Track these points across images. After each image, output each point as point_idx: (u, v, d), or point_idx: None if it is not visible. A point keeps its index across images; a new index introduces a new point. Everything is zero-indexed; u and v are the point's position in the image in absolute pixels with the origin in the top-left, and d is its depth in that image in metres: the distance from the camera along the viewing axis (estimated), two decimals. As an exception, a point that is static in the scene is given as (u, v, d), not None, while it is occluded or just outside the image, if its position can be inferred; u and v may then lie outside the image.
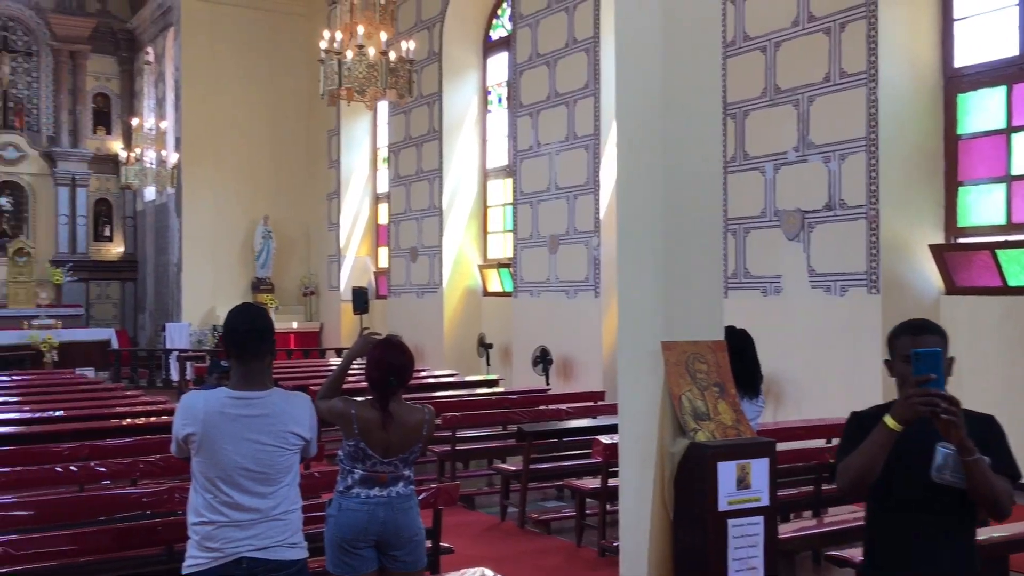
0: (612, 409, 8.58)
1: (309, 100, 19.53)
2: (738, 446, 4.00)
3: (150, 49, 21.63)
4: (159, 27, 20.75)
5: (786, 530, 5.34)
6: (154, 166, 12.99)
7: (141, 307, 22.70)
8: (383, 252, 18.52)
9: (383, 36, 7.23)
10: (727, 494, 3.92)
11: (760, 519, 3.99)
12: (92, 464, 5.46)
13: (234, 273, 19.09)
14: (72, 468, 5.38)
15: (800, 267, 9.18)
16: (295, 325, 19.02)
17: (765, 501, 4.00)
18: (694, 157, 4.28)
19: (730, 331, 4.38)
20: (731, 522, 3.92)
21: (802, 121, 9.18)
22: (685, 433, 4.00)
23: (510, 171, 14.55)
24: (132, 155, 13.10)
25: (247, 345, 3.14)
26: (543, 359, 12.31)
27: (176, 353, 16.51)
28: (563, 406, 8.61)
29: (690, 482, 3.96)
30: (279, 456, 3.12)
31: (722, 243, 4.64)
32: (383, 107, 18.21)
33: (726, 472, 3.92)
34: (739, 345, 4.44)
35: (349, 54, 7.17)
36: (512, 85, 13.75)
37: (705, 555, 3.88)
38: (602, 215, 11.91)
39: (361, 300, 17.20)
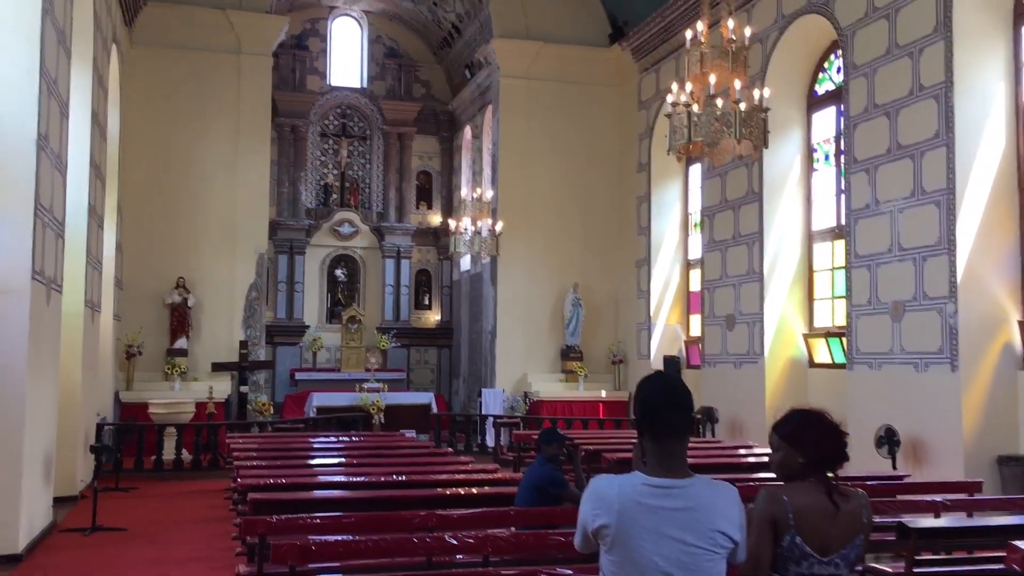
0: (998, 504, 7.32)
1: (618, 167, 19.55)
2: None
3: (468, 127, 22.84)
4: (477, 106, 21.83)
5: None
6: (481, 234, 13.36)
7: (455, 372, 23.61)
8: (695, 320, 17.88)
9: (736, 84, 6.76)
10: None
11: None
12: (445, 536, 5.28)
13: (544, 340, 19.28)
14: (427, 539, 5.23)
15: None
16: (603, 394, 18.78)
17: None
18: None
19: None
20: None
21: None
22: None
23: (840, 232, 13.46)
24: (460, 225, 13.57)
25: (667, 422, 2.68)
26: (889, 440, 11.01)
27: (492, 419, 16.80)
28: (935, 498, 7.45)
29: None
30: (705, 560, 2.60)
31: None
32: (695, 171, 17.78)
33: None
34: None
35: (695, 107, 6.78)
36: (844, 140, 12.76)
37: None
38: (959, 278, 10.55)
39: (673, 369, 16.62)
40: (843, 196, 13.10)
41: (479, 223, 14.30)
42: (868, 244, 12.05)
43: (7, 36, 8.32)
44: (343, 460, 9.46)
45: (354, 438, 12.40)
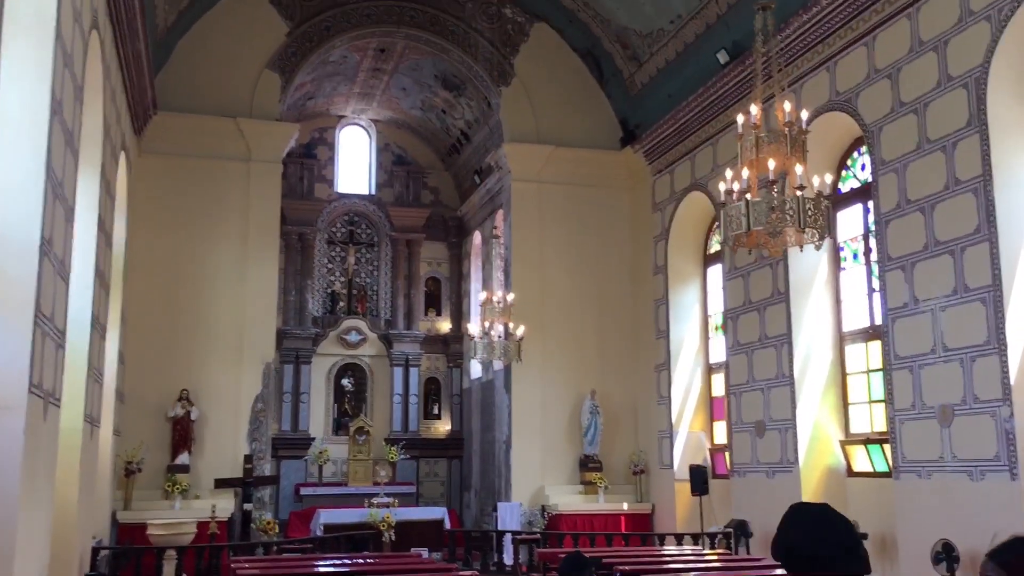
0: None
1: (633, 270, 19.15)
2: None
3: (478, 232, 22.56)
4: (487, 211, 21.60)
5: None
6: (502, 339, 12.81)
7: (467, 485, 22.68)
8: (719, 427, 17.15)
9: (798, 169, 6.31)
10: None
11: None
12: None
13: (561, 451, 18.49)
14: None
15: None
16: (625, 507, 17.89)
17: None
18: None
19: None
20: None
21: None
22: None
23: (875, 333, 12.92)
24: (481, 329, 13.03)
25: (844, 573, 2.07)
26: (947, 556, 10.19)
27: (510, 536, 15.87)
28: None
29: None
30: None
31: None
32: (714, 272, 17.36)
33: None
34: None
35: (748, 196, 6.32)
36: (876, 237, 12.32)
37: None
38: (1012, 379, 9.94)
39: (700, 480, 15.85)
40: (877, 295, 12.60)
41: (496, 327, 13.74)
42: (908, 345, 11.48)
43: (13, 136, 7.92)
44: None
45: (368, 560, 11.55)
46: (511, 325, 12.75)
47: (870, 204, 12.81)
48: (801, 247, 6.62)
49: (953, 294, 10.80)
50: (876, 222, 12.31)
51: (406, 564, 11.09)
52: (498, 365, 20.32)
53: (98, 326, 12.19)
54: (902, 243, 11.68)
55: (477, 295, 22.64)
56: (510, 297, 13.05)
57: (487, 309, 12.59)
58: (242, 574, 9.91)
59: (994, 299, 10.21)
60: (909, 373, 11.45)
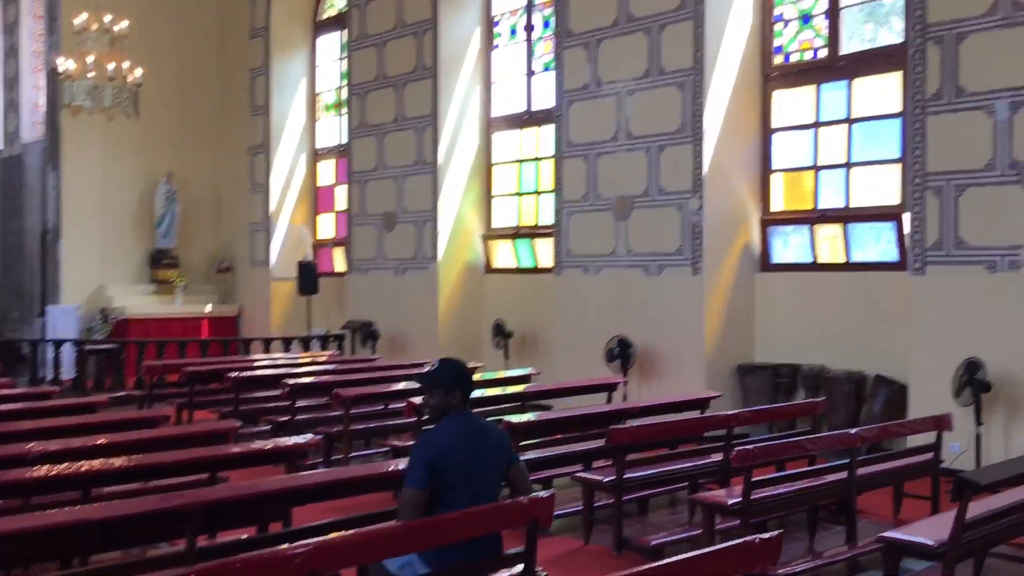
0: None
1: (221, 31, 15.85)
2: None
3: (-4, -40, 17.08)
4: (13, -69, 16.33)
5: None
6: (113, 82, 9.21)
7: (-23, 285, 18.08)
8: (325, 220, 15.21)
9: None
10: None
11: None
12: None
13: (128, 244, 15.18)
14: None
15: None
16: (209, 308, 15.35)
17: None
18: None
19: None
20: None
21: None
22: None
23: (532, 119, 11.86)
24: (79, 66, 9.24)
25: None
26: (622, 353, 9.72)
27: (73, 345, 12.58)
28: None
29: None
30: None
31: None
32: (329, 41, 14.91)
33: None
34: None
35: None
36: (556, 7, 10.94)
37: None
38: (705, 170, 9.45)
39: (309, 278, 13.91)
40: (540, 77, 11.41)
41: (118, 65, 9.97)
42: (585, 131, 10.52)
43: None
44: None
45: None
46: (124, 65, 9.24)
47: (544, -29, 11.41)
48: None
49: (645, 77, 9.93)
50: (556, -9, 10.93)
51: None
52: (31, 136, 16.05)
53: None
54: (587, 16, 10.48)
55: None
56: (122, 25, 9.41)
57: (87, 39, 8.90)
58: None
59: (693, 83, 9.52)
60: (584, 162, 10.55)
